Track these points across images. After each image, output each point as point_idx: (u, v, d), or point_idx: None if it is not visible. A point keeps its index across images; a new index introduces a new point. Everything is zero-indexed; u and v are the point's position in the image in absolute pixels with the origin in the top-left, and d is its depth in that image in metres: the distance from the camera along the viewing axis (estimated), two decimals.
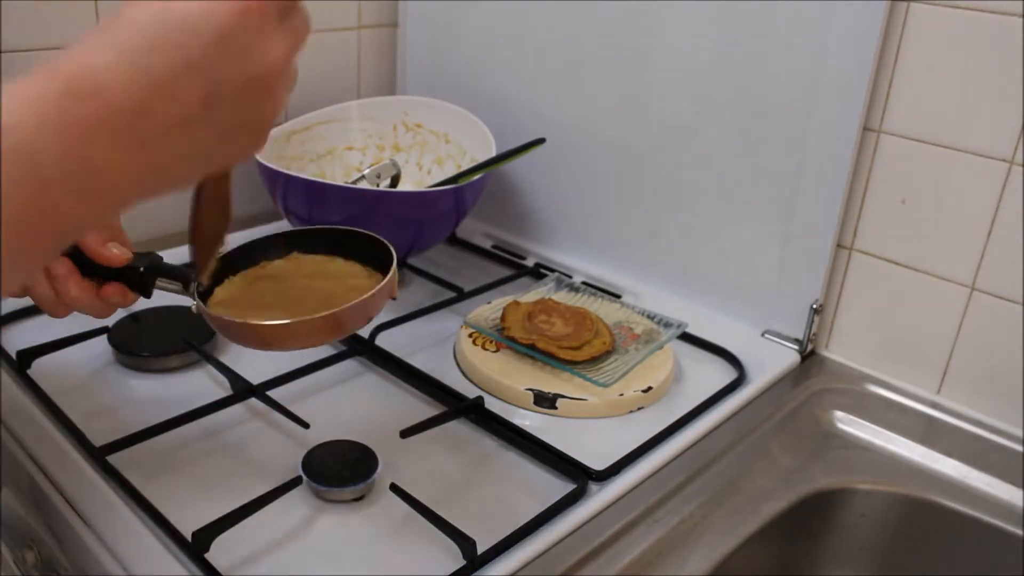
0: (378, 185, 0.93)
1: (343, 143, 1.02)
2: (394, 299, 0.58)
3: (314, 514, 0.59)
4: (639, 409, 0.74)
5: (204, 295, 0.58)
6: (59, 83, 0.32)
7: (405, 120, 1.03)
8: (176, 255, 0.62)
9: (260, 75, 0.36)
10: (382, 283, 0.56)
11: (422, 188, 0.92)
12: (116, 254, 0.54)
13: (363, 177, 0.93)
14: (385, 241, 0.60)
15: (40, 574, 0.64)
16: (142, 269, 0.56)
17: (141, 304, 0.82)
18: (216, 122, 0.36)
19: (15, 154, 0.30)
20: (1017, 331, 0.73)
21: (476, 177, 0.88)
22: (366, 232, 0.61)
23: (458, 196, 0.87)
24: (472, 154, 0.97)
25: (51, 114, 0.31)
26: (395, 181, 0.96)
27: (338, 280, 0.60)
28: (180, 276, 0.58)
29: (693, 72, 0.84)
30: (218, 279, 0.59)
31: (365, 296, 0.55)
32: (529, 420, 0.71)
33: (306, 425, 0.65)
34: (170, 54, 0.34)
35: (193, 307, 0.56)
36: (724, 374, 0.80)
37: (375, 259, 0.60)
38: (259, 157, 0.86)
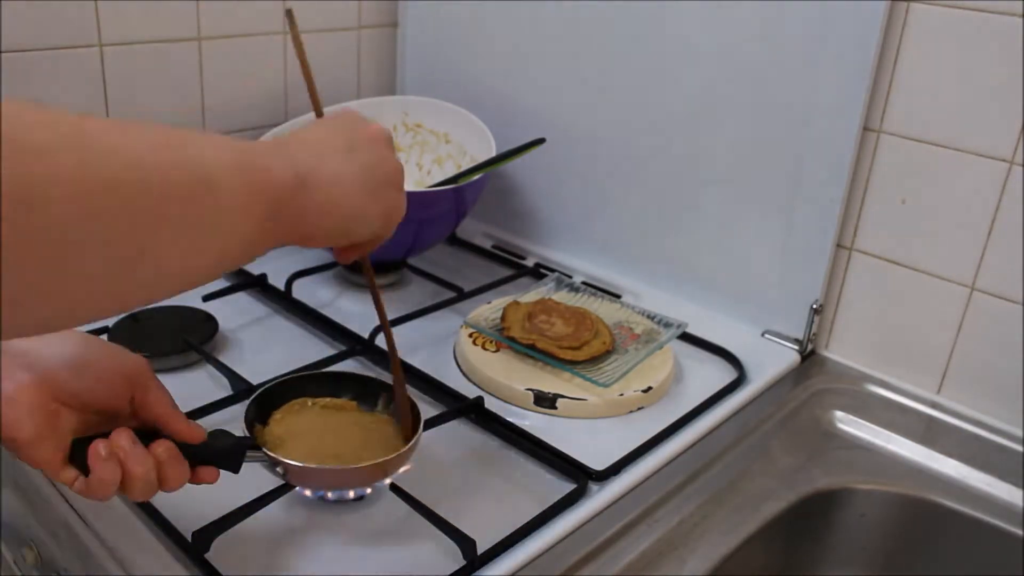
0: None
1: None
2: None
3: (314, 514, 0.59)
4: (639, 409, 0.74)
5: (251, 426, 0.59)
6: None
7: (405, 120, 1.03)
8: None
9: (394, 171, 0.50)
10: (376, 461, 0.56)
11: (422, 188, 0.92)
12: (199, 431, 0.51)
13: None
14: (417, 407, 0.61)
15: (40, 574, 0.64)
16: (230, 445, 0.54)
17: None
18: (369, 195, 0.48)
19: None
20: (1017, 331, 0.73)
21: (476, 177, 0.88)
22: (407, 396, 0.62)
23: (458, 196, 0.87)
24: (472, 154, 0.97)
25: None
26: None
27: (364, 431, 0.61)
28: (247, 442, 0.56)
29: (693, 72, 0.84)
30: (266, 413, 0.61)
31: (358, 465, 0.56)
32: (529, 420, 0.71)
33: None
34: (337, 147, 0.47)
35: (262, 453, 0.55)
36: (724, 374, 0.80)
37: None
38: None
